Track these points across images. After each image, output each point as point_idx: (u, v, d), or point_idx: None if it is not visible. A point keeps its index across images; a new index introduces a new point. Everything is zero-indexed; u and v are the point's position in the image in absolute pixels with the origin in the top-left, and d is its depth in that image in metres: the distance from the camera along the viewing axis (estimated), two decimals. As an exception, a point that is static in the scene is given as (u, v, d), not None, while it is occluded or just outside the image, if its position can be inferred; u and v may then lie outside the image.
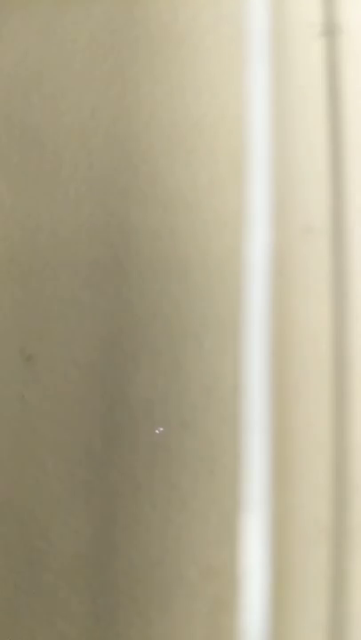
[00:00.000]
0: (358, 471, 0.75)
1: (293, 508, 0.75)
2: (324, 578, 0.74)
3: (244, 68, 0.78)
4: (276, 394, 0.75)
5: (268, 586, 0.73)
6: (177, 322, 0.78)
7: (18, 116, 0.83)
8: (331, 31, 0.79)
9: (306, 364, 0.76)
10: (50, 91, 0.83)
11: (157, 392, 0.78)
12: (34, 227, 0.81)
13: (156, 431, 0.76)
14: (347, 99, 0.78)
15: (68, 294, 0.80)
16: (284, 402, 0.75)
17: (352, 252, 0.77)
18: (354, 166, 0.77)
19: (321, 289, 0.77)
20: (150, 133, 0.80)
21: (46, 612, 0.77)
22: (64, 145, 0.82)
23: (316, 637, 0.73)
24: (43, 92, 0.83)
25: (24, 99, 0.83)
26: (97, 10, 0.83)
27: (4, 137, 0.83)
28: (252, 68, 0.78)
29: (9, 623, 0.77)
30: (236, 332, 0.76)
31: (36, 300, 0.80)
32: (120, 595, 0.76)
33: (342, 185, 0.78)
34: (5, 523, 0.78)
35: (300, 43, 0.79)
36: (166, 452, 0.77)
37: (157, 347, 0.78)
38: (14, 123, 0.83)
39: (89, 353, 0.79)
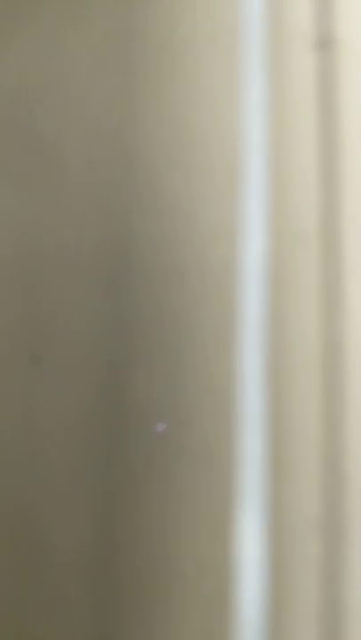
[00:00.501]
0: (352, 468, 0.75)
1: (288, 503, 0.75)
2: (319, 571, 0.74)
3: (240, 81, 0.78)
4: (271, 393, 0.75)
5: (263, 579, 0.72)
6: (175, 324, 0.79)
7: (23, 127, 0.83)
8: (326, 43, 0.79)
9: (299, 364, 0.76)
10: (54, 103, 0.83)
11: (156, 391, 0.78)
12: (40, 236, 0.82)
13: (159, 428, 0.77)
14: (341, 108, 0.79)
15: (73, 299, 0.81)
16: (278, 400, 0.75)
17: (344, 258, 0.77)
18: (347, 175, 0.78)
19: (313, 290, 0.77)
20: (150, 146, 0.81)
21: (49, 602, 0.77)
22: (68, 156, 0.82)
23: (310, 629, 0.74)
24: (47, 104, 0.83)
25: (29, 110, 0.83)
26: (99, 26, 0.83)
27: (11, 148, 0.83)
28: (249, 80, 0.78)
29: (13, 613, 0.77)
30: (231, 333, 0.76)
31: (44, 304, 0.81)
32: (120, 585, 0.76)
33: (335, 193, 0.78)
34: (11, 517, 0.79)
35: (296, 54, 0.79)
36: (164, 449, 0.77)
37: (157, 348, 0.79)
38: (20, 134, 0.83)
39: (92, 354, 0.79)
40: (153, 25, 0.82)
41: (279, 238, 0.77)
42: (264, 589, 0.73)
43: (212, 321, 0.78)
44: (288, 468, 0.75)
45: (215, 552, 0.75)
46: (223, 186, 0.79)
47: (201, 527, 0.76)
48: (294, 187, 0.78)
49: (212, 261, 0.78)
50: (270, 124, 0.78)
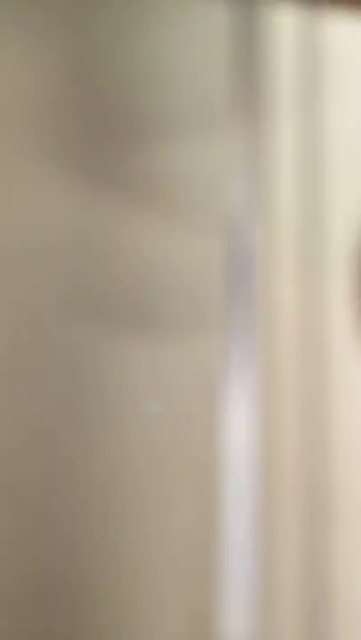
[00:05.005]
0: (339, 463, 0.77)
1: (278, 496, 0.77)
2: (308, 561, 0.76)
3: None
4: (260, 390, 0.76)
5: (250, 563, 0.74)
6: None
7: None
8: (314, 60, 0.81)
9: (288, 362, 0.78)
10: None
11: (148, 388, 0.79)
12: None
13: (150, 414, 0.77)
14: (329, 117, 0.81)
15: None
16: (267, 397, 0.77)
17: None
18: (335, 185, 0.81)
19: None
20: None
21: (43, 588, 0.77)
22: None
23: (299, 620, 0.76)
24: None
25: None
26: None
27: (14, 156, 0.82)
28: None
29: (12, 603, 0.77)
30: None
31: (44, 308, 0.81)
32: (116, 571, 0.77)
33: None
34: (10, 507, 0.78)
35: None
36: (155, 444, 0.78)
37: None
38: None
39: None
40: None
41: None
42: (252, 574, 0.74)
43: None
44: (279, 461, 0.77)
45: (202, 536, 0.76)
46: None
47: (188, 511, 0.77)
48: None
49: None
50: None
